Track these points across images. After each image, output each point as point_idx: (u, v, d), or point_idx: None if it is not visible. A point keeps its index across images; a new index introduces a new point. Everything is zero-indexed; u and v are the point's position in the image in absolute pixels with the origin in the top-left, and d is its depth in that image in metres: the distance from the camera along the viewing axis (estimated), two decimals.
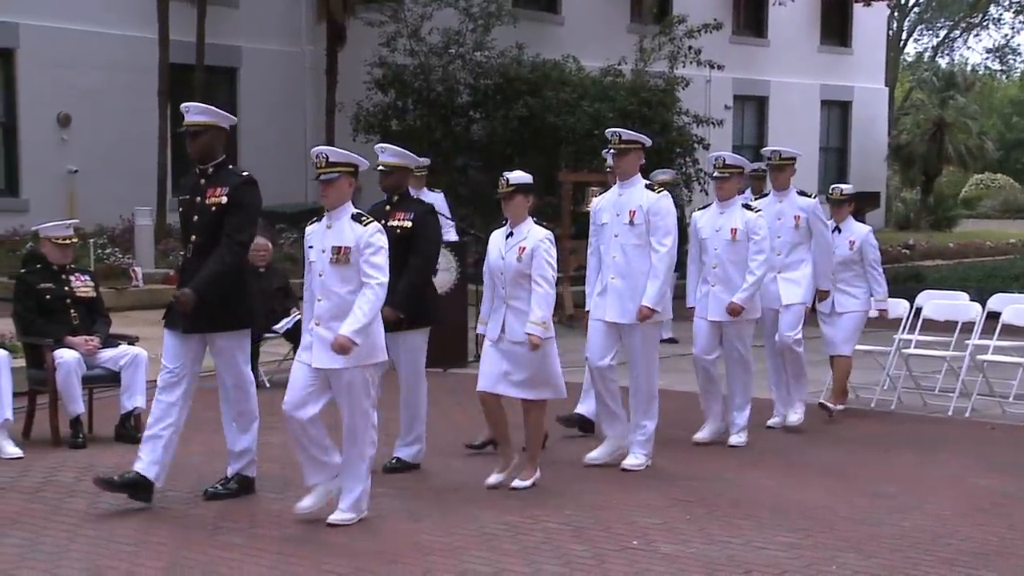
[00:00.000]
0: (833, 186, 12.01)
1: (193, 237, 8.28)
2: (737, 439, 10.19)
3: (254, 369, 9.78)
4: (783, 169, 10.76)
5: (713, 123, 25.89)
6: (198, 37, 23.59)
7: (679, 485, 9.53)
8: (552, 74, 24.61)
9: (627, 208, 9.19)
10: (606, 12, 31.24)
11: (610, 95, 24.07)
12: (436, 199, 15.29)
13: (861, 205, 22.23)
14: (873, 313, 11.67)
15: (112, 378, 10.55)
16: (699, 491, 9.24)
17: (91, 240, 17.95)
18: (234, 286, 8.16)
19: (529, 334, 8.25)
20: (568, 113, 23.30)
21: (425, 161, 12.73)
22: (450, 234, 15.60)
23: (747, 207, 10.05)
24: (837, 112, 39.50)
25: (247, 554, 7.28)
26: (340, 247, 7.49)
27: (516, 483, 8.65)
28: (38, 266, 11.15)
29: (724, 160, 10.09)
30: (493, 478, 8.60)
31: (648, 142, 9.54)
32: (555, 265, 8.39)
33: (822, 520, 8.57)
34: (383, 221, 8.61)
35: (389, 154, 9.16)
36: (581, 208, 16.25)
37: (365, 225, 7.55)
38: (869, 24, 38.91)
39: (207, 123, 8.21)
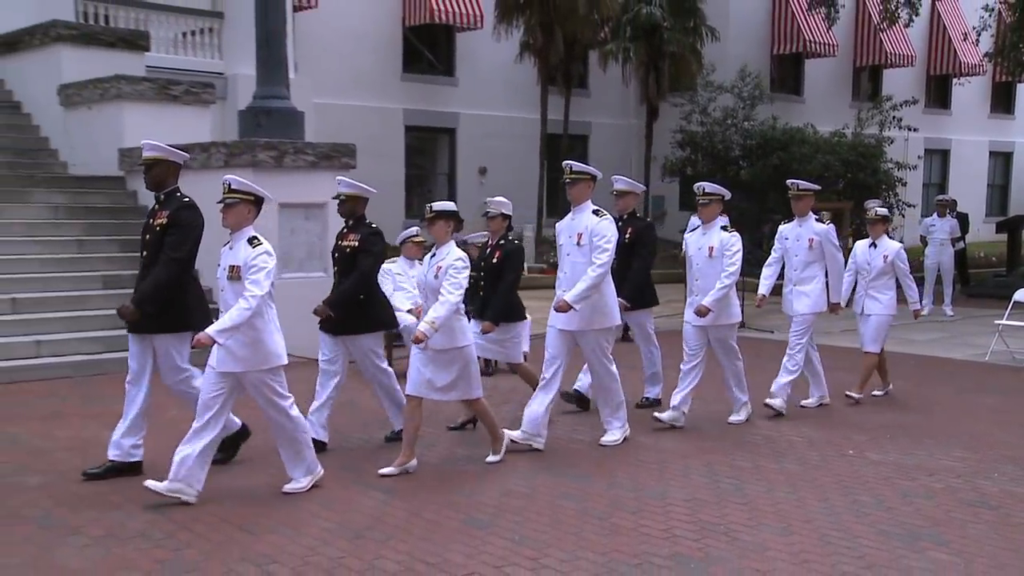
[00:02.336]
0: (868, 206, 12.15)
1: (143, 254, 7.92)
2: (737, 417, 9.91)
3: None
4: (801, 199, 10.35)
5: (909, 168, 26.57)
6: (564, 116, 27.62)
7: (881, 415, 10.32)
8: (796, 136, 25.91)
9: (576, 231, 8.70)
10: (835, 93, 33.53)
11: (836, 150, 25.34)
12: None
13: (1016, 223, 24.79)
14: (919, 311, 11.49)
15: None
16: (895, 422, 9.82)
17: None
18: (176, 293, 7.69)
19: (419, 330, 7.63)
20: (807, 162, 24.29)
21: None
22: None
23: (724, 228, 9.51)
24: (1002, 160, 40.75)
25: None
26: (233, 266, 7.03)
27: (489, 458, 8.33)
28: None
29: (704, 188, 9.55)
30: (386, 469, 7.88)
31: (598, 174, 8.97)
32: (463, 281, 7.69)
33: (988, 443, 9.20)
34: (339, 241, 8.82)
35: (344, 185, 8.77)
36: None
37: (254, 247, 7.04)
38: None
39: (157, 157, 7.80)
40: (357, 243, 8.59)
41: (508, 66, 27.84)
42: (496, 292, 9.40)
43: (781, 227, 10.65)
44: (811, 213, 10.44)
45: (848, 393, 10.84)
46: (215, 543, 6.42)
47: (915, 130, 26.79)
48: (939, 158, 37.96)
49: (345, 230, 8.79)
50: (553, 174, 27.17)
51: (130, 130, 15.57)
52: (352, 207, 8.76)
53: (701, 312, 9.39)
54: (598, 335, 8.85)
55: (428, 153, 28.98)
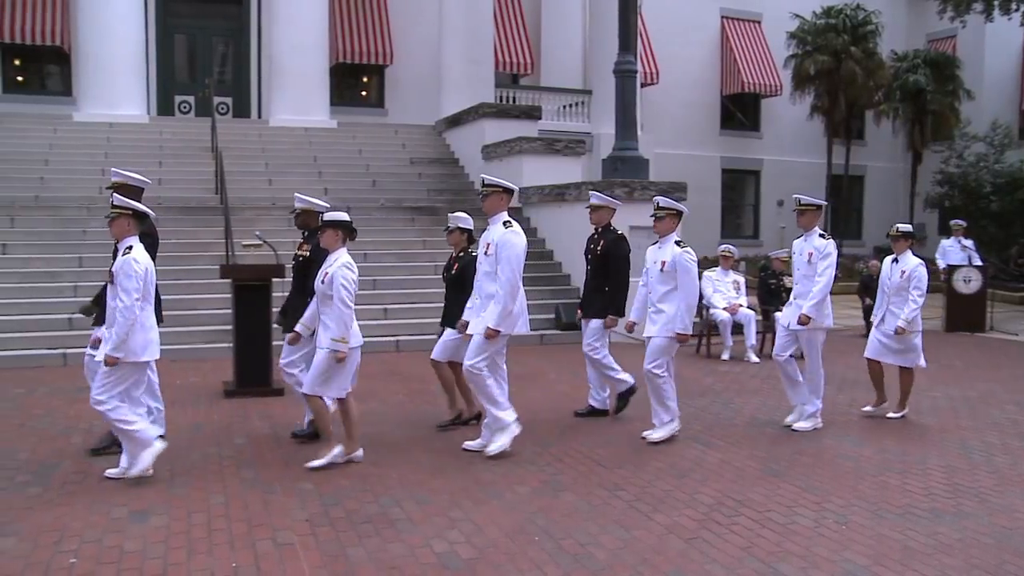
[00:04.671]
0: (894, 225, 8.83)
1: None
2: (655, 433, 7.37)
3: None
4: (803, 213, 7.92)
5: None
6: (845, 161, 26.27)
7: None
8: None
9: (486, 242, 6.88)
10: None
11: None
12: (969, 244, 16.18)
13: None
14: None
15: None
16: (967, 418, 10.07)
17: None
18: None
19: (329, 347, 6.22)
20: None
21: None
22: (975, 259, 15.83)
23: (677, 243, 7.34)
24: None
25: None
26: (111, 272, 6.01)
27: (313, 463, 6.39)
28: (763, 273, 12.86)
29: (658, 203, 7.56)
30: (316, 462, 6.38)
31: (512, 187, 7.05)
32: (350, 288, 6.17)
33: None
34: (296, 250, 7.57)
35: (299, 201, 7.52)
36: None
37: (124, 256, 5.97)
38: None
39: (117, 183, 6.83)
40: (310, 252, 7.24)
41: (800, 123, 27.04)
42: (458, 302, 7.42)
43: (793, 243, 8.24)
44: (817, 228, 7.95)
45: (889, 415, 8.40)
46: (580, 472, 6.45)
47: None
48: None
49: (301, 240, 7.55)
50: (835, 206, 26.20)
51: (527, 174, 16.14)
52: (305, 220, 7.46)
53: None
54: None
55: (738, 189, 28.31)
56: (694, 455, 6.96)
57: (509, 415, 6.86)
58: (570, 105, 23.50)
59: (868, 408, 8.56)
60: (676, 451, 7.07)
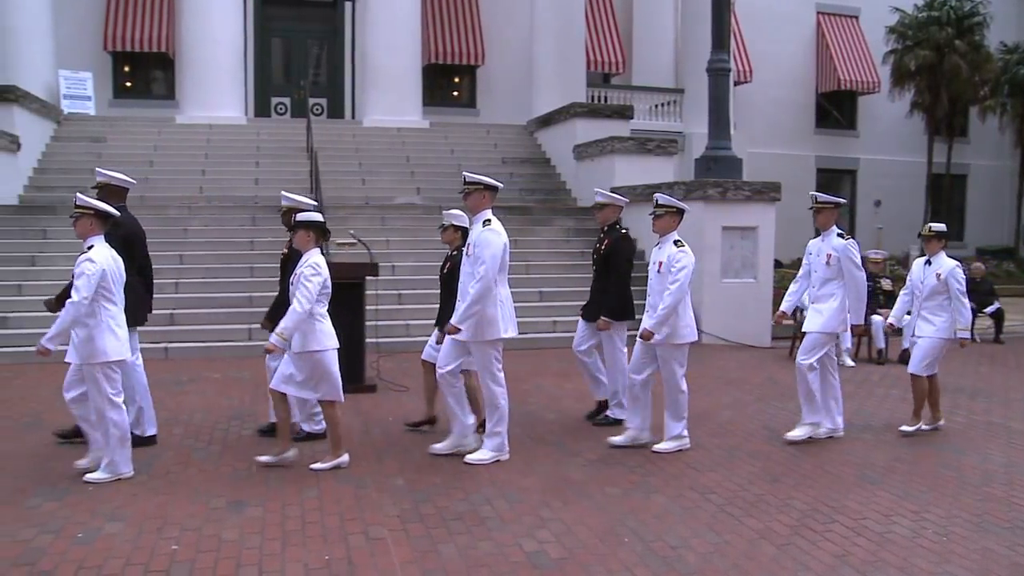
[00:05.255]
0: (927, 224, 8.20)
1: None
2: (664, 446, 6.96)
3: None
4: (820, 212, 7.42)
5: None
6: (947, 159, 26.03)
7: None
8: None
9: (469, 242, 6.59)
10: None
11: None
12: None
13: None
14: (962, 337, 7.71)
15: None
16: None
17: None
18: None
19: (271, 341, 6.15)
20: None
21: None
22: None
23: (675, 243, 6.87)
24: None
25: None
26: (72, 271, 5.89)
27: (316, 465, 6.32)
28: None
29: (657, 200, 7.02)
30: (264, 458, 6.37)
31: (498, 185, 6.67)
32: (312, 288, 6.03)
33: None
34: (285, 249, 7.33)
35: (284, 199, 7.35)
36: None
37: (80, 255, 5.91)
38: None
39: (100, 183, 6.91)
40: (288, 250, 7.16)
41: (899, 120, 26.39)
42: (450, 302, 6.96)
43: (809, 243, 7.67)
44: (835, 227, 7.45)
45: (902, 428, 7.72)
46: (670, 474, 6.39)
47: None
48: None
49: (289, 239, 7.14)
50: (935, 206, 25.50)
51: (618, 174, 16.01)
52: (289, 218, 7.08)
53: (644, 336, 6.90)
54: (484, 347, 6.54)
55: (833, 189, 27.02)
56: (787, 459, 6.83)
57: (469, 428, 6.75)
58: (662, 104, 23.40)
59: (923, 426, 7.79)
60: (768, 455, 6.94)
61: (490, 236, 6.44)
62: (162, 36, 20.90)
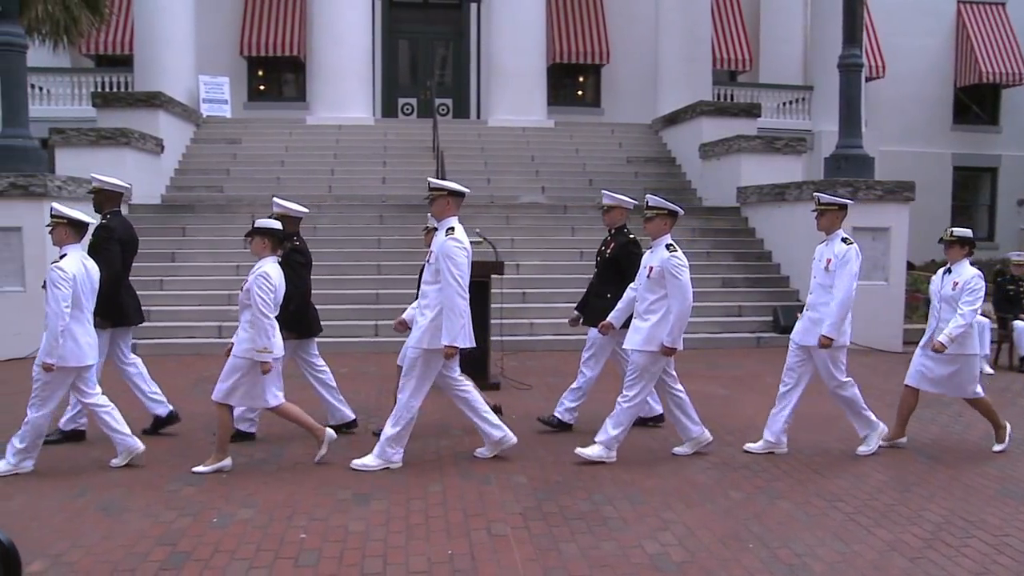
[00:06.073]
0: (948, 228, 7.39)
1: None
2: (593, 452, 6.54)
3: None
4: (823, 214, 6.92)
5: None
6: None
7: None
8: None
9: (431, 249, 6.38)
10: None
11: None
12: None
13: None
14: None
15: None
16: None
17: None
18: (107, 296, 6.57)
19: (243, 356, 6.04)
20: None
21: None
22: None
23: (667, 247, 6.61)
24: None
25: None
26: (44, 280, 5.99)
27: (199, 468, 6.15)
28: (1000, 278, 12.12)
29: (648, 202, 6.84)
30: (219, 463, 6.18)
31: (464, 191, 6.37)
32: (267, 297, 5.93)
33: None
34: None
35: (275, 206, 7.28)
36: None
37: (53, 263, 5.99)
38: None
39: (95, 188, 7.03)
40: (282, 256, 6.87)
41: None
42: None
43: (817, 247, 7.05)
44: (840, 231, 6.88)
45: (995, 449, 7.15)
46: (796, 479, 6.25)
47: None
48: None
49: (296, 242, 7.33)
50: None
51: (744, 174, 15.85)
52: (282, 225, 6.75)
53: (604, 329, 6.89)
54: (429, 355, 6.28)
55: (971, 188, 26.37)
56: (919, 469, 6.58)
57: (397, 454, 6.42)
58: (790, 102, 22.97)
59: (880, 443, 7.14)
60: (899, 464, 6.70)
61: (454, 249, 6.17)
62: (294, 41, 21.65)
